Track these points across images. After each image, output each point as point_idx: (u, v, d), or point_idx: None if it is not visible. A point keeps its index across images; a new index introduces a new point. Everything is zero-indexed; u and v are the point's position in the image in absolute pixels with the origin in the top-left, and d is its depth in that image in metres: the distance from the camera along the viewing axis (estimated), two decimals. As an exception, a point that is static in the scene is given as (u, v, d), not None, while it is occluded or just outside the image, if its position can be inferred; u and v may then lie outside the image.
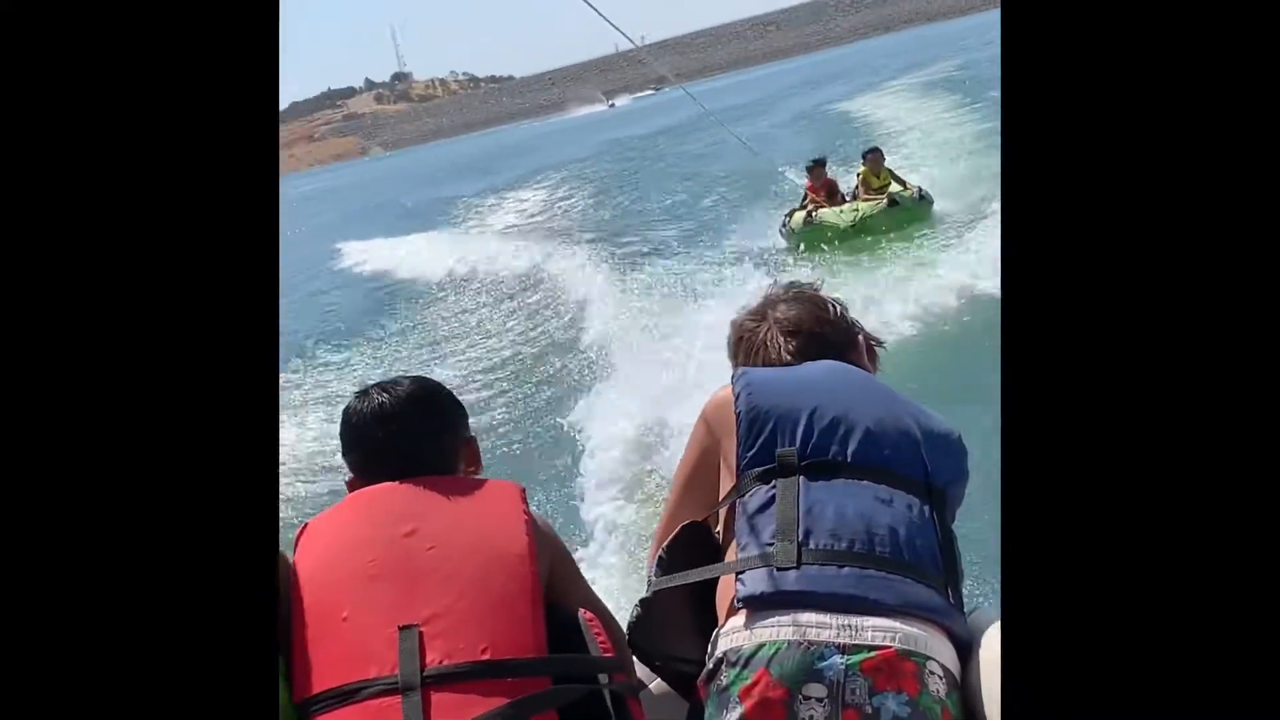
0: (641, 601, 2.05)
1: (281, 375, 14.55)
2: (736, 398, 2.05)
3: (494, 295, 17.37)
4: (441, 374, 12.79)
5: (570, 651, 1.86)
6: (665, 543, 2.08)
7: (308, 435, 11.04)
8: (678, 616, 2.05)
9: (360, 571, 1.83)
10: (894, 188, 14.81)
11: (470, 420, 2.25)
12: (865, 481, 1.96)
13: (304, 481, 9.53)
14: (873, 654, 1.76)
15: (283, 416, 10.13)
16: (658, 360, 9.37)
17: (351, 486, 2.08)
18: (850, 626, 1.78)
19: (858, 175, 15.50)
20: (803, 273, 12.70)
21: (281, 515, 1.77)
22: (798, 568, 1.85)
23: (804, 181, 16.07)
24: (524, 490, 2.01)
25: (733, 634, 1.84)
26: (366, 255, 25.42)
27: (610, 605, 2.09)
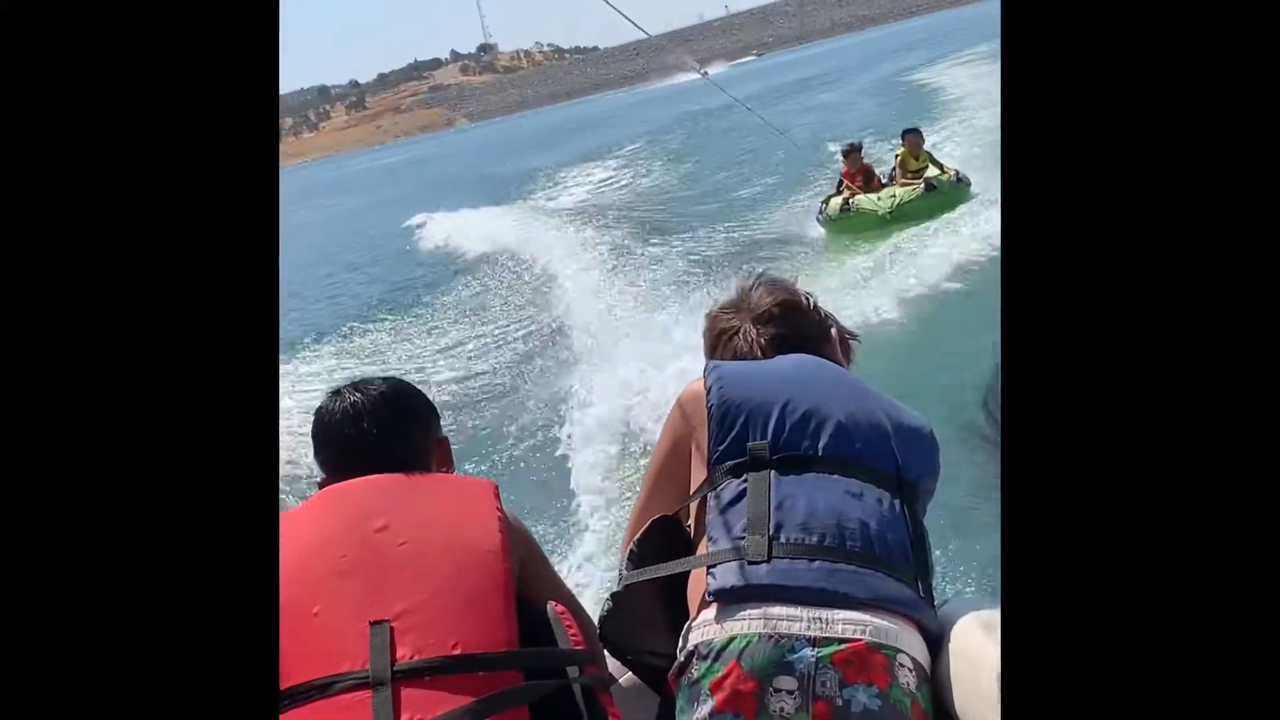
0: (612, 595, 2.05)
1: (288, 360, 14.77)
2: (708, 391, 2.05)
3: (517, 278, 17.50)
4: (441, 364, 13.40)
5: (542, 645, 1.87)
6: (636, 536, 2.09)
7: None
8: (649, 610, 2.06)
9: (331, 567, 1.83)
10: (931, 171, 14.48)
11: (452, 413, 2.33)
12: (836, 475, 1.97)
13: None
14: (843, 647, 1.77)
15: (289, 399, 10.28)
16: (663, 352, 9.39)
17: (323, 486, 2.09)
18: (821, 619, 1.79)
19: (896, 157, 15.21)
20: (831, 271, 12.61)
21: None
22: (768, 561, 1.85)
23: (841, 166, 15.74)
24: (497, 486, 2.01)
25: (704, 627, 1.86)
26: (426, 229, 25.67)
27: (583, 599, 2.10)
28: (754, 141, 28.64)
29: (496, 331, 14.72)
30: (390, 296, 19.50)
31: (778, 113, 38.25)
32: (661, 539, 2.08)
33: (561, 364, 11.64)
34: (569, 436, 8.87)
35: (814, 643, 1.77)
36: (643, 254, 17.04)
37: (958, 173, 14.53)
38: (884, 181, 14.79)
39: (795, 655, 1.76)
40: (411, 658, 1.72)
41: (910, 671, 1.80)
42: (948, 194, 14.02)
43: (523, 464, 9.09)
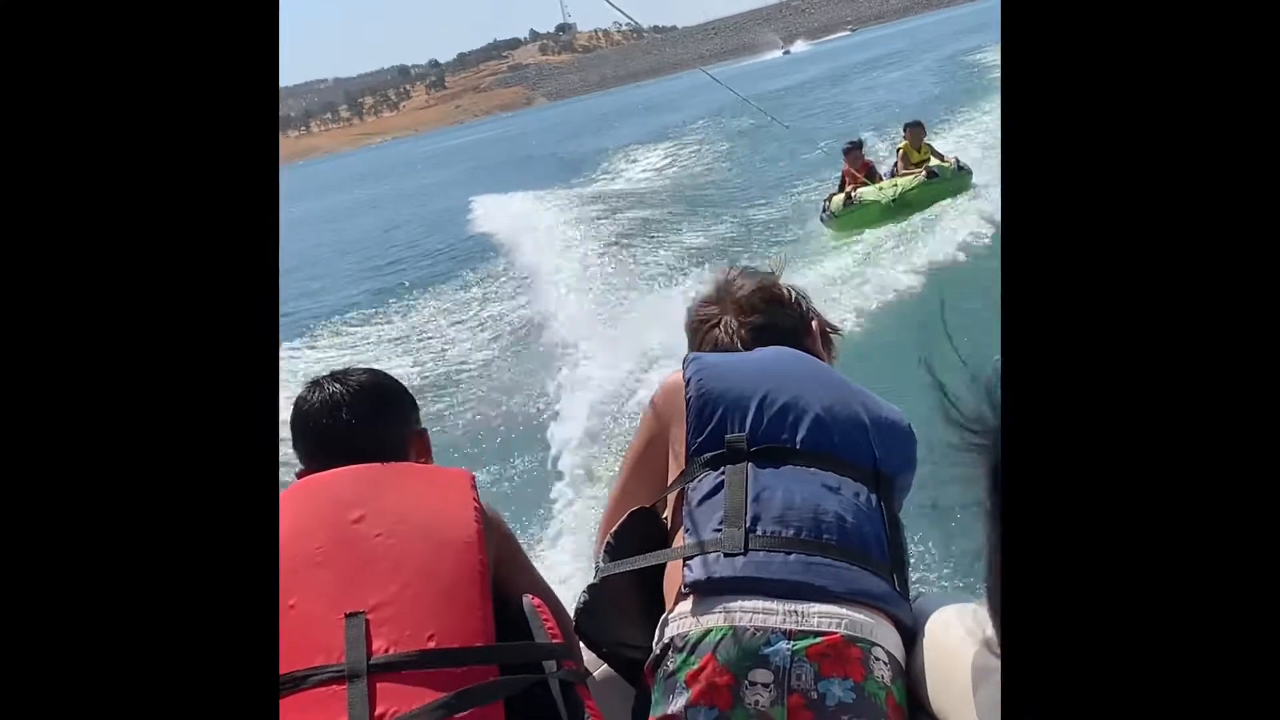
0: (589, 588, 2.04)
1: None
2: (687, 383, 2.05)
3: (515, 266, 17.56)
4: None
5: (519, 639, 1.86)
6: (613, 528, 2.08)
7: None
8: (625, 602, 2.05)
9: (307, 558, 1.82)
10: (932, 161, 14.51)
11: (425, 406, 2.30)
12: (814, 468, 1.97)
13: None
14: (819, 640, 1.78)
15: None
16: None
17: (301, 476, 2.08)
18: (796, 613, 1.80)
19: (898, 150, 15.26)
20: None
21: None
22: (745, 554, 1.85)
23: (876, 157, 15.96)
24: (474, 477, 2.00)
25: (679, 620, 1.86)
26: (473, 212, 25.67)
27: (559, 591, 2.11)
28: (815, 124, 28.53)
29: (484, 322, 14.94)
30: (389, 285, 19.93)
31: (843, 91, 37.99)
32: (638, 531, 2.07)
33: (545, 356, 11.72)
34: (548, 428, 8.91)
35: (789, 636, 1.77)
36: (643, 247, 17.23)
37: (958, 160, 14.61)
38: (884, 177, 14.86)
39: (771, 648, 1.77)
40: (387, 650, 1.72)
41: (885, 665, 1.80)
42: (949, 181, 14.08)
43: (501, 454, 9.09)
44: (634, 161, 32.18)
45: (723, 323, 2.28)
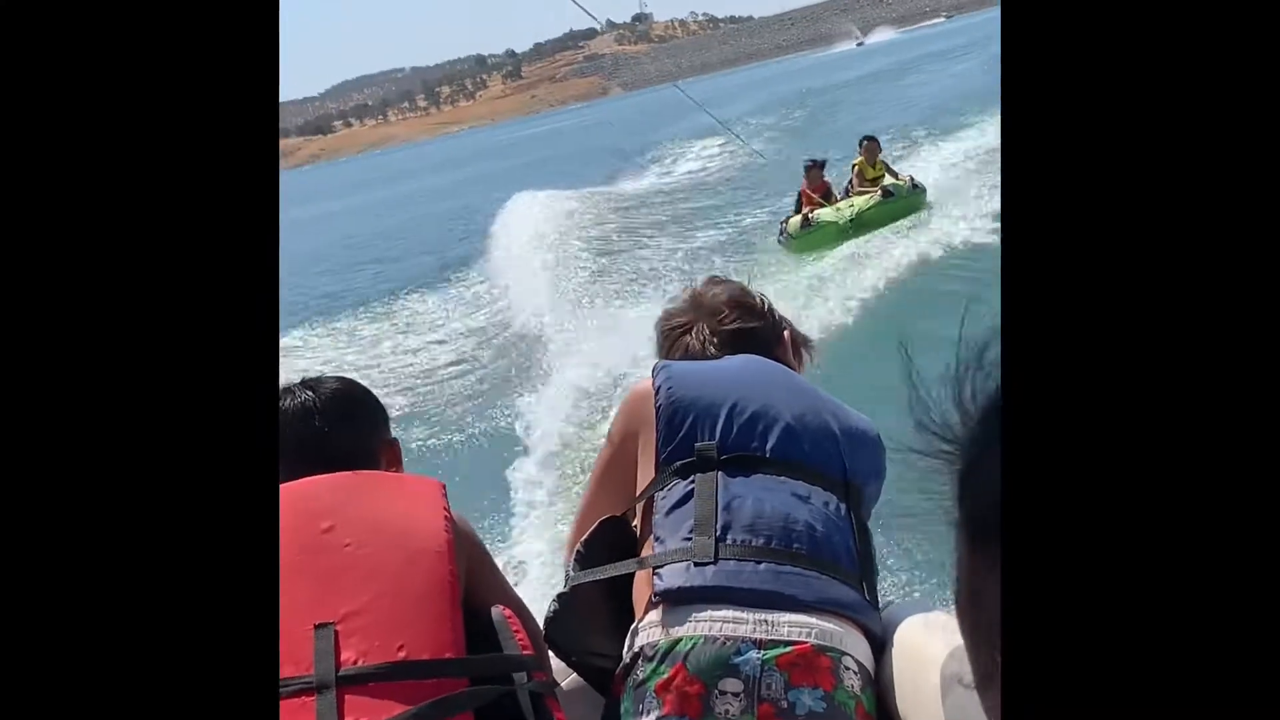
0: (559, 596, 2.04)
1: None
2: (656, 391, 2.05)
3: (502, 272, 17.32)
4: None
5: (489, 649, 1.85)
6: (584, 537, 2.08)
7: None
8: (595, 611, 2.05)
9: None
10: (886, 180, 14.49)
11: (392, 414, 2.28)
12: (784, 477, 1.98)
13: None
14: (789, 649, 1.78)
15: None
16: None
17: None
18: (766, 622, 1.80)
19: (853, 167, 15.19)
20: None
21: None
22: (715, 563, 1.86)
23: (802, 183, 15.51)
24: (444, 487, 2.00)
25: (650, 629, 1.86)
26: (479, 213, 25.30)
27: (528, 600, 2.11)
28: (865, 113, 28.41)
29: (457, 329, 15.03)
30: (363, 288, 20.21)
31: (905, 85, 37.95)
32: (608, 539, 2.07)
33: (518, 364, 11.77)
34: (520, 437, 8.97)
35: (760, 645, 1.78)
36: (628, 254, 17.26)
37: (913, 179, 14.62)
38: (840, 196, 14.82)
39: (741, 658, 1.77)
40: (356, 662, 1.71)
41: (855, 674, 1.81)
42: (905, 200, 14.09)
43: (472, 464, 9.08)
44: (675, 160, 32.36)
45: (694, 330, 2.28)
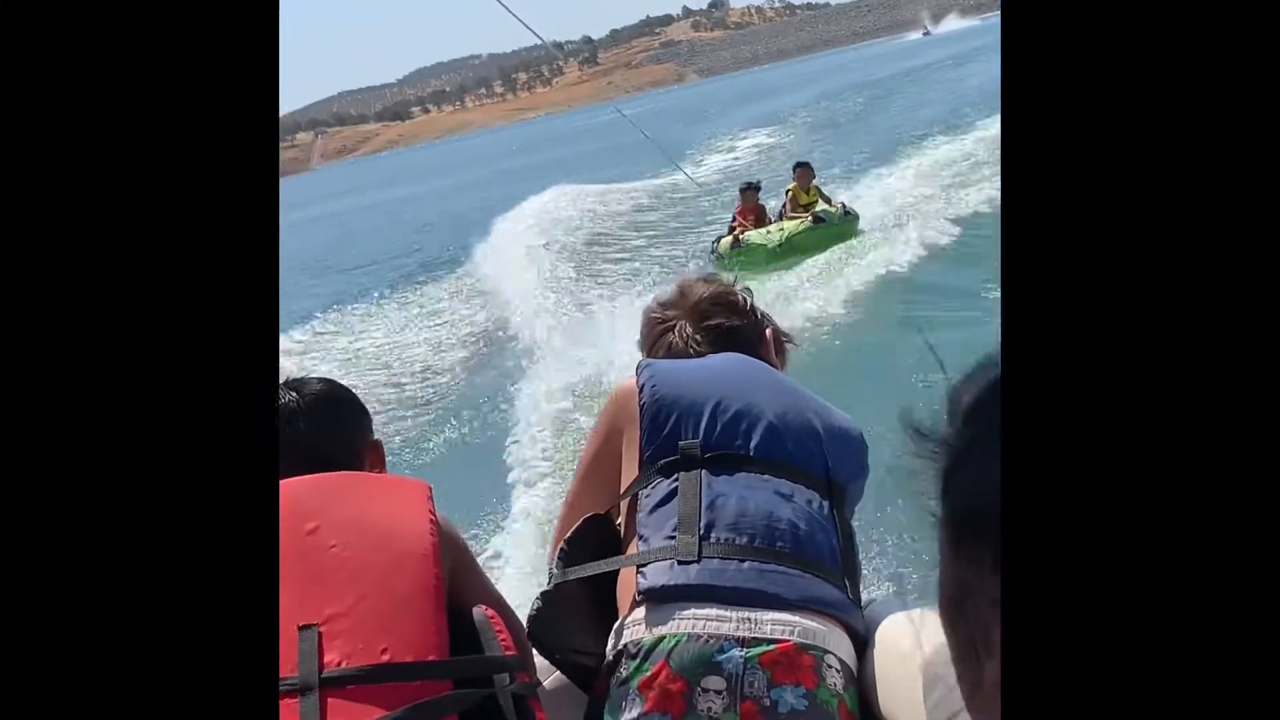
0: (543, 594, 2.04)
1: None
2: (641, 388, 2.06)
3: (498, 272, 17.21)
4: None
5: (472, 651, 1.85)
6: (567, 535, 2.08)
7: None
8: (578, 609, 2.06)
9: None
10: (819, 206, 14.61)
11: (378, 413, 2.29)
12: (767, 476, 1.99)
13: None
14: (771, 647, 1.79)
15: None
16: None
17: None
18: (750, 620, 1.81)
19: (787, 192, 15.26)
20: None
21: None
22: (699, 561, 1.87)
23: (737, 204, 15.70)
24: (430, 488, 2.01)
25: (633, 627, 1.87)
26: (502, 209, 24.50)
27: (511, 599, 2.11)
28: (885, 120, 28.58)
29: (445, 330, 15.07)
30: (353, 288, 20.36)
31: (952, 78, 38.57)
32: (592, 537, 2.08)
33: (506, 364, 11.80)
34: (505, 438, 8.98)
35: (743, 643, 1.79)
36: (621, 253, 17.43)
37: (844, 205, 14.74)
38: (773, 219, 14.97)
39: (724, 655, 1.78)
40: (340, 664, 1.71)
41: (838, 672, 1.82)
42: (835, 227, 14.21)
43: (457, 463, 9.10)
44: (718, 151, 32.64)
45: (678, 327, 2.29)
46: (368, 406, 2.26)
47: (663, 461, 2.00)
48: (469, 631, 1.86)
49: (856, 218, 14.60)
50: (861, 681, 1.88)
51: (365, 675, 1.70)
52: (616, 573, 2.01)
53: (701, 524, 1.91)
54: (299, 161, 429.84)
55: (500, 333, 13.62)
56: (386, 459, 2.26)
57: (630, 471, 2.07)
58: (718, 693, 1.76)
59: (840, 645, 1.85)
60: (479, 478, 8.28)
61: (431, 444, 9.84)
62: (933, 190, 16.50)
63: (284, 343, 15.48)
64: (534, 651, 2.04)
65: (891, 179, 18.57)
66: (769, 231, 14.45)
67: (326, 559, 1.81)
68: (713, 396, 2.04)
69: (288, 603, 1.74)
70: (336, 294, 20.50)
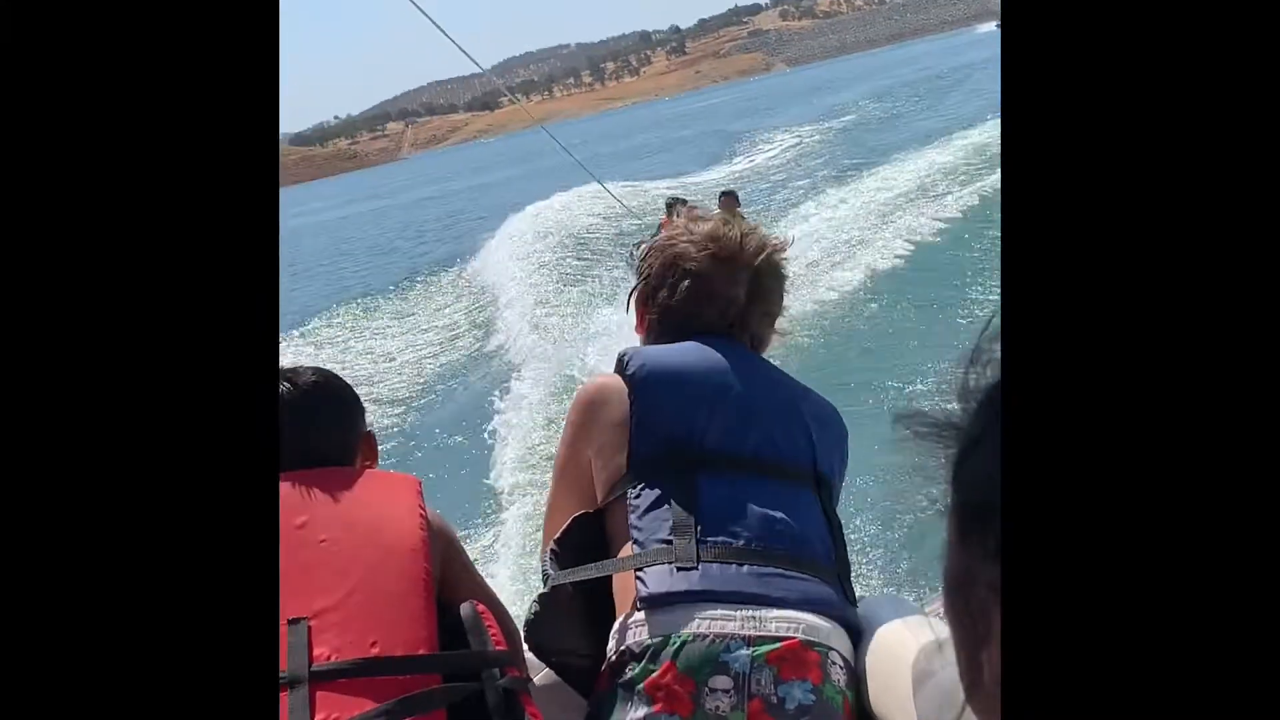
0: (540, 597, 2.01)
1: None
2: (630, 383, 2.03)
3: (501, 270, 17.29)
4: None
5: (462, 646, 1.84)
6: (556, 536, 2.05)
7: None
8: (575, 611, 2.03)
9: None
10: None
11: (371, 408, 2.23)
12: (760, 475, 1.97)
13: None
14: (777, 645, 1.78)
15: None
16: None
17: None
18: (755, 619, 1.81)
19: None
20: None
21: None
22: (697, 566, 1.85)
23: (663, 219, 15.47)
24: (420, 483, 2.00)
25: (636, 627, 1.85)
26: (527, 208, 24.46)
27: (502, 596, 2.09)
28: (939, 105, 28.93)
29: (440, 326, 15.23)
30: (354, 284, 20.61)
31: (981, 78, 38.56)
32: (582, 538, 2.05)
33: (498, 362, 11.84)
34: (495, 433, 9.01)
35: (749, 642, 1.78)
36: (611, 256, 17.32)
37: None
38: None
39: (730, 655, 1.77)
40: (329, 657, 1.71)
41: (841, 669, 1.82)
42: None
43: (449, 459, 9.09)
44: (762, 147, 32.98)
45: (733, 296, 2.15)
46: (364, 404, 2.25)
47: (653, 461, 1.97)
48: (459, 626, 1.86)
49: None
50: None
51: (354, 669, 1.70)
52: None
53: (697, 527, 1.89)
54: (389, 151, 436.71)
55: (492, 332, 13.64)
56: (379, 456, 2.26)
57: (612, 467, 2.02)
58: (725, 692, 1.76)
59: (842, 643, 1.85)
60: (468, 477, 8.28)
61: (421, 441, 9.94)
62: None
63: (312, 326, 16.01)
64: (529, 653, 2.03)
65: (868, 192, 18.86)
66: None
67: (316, 553, 1.81)
68: (703, 393, 2.01)
69: None
70: (393, 277, 20.72)
